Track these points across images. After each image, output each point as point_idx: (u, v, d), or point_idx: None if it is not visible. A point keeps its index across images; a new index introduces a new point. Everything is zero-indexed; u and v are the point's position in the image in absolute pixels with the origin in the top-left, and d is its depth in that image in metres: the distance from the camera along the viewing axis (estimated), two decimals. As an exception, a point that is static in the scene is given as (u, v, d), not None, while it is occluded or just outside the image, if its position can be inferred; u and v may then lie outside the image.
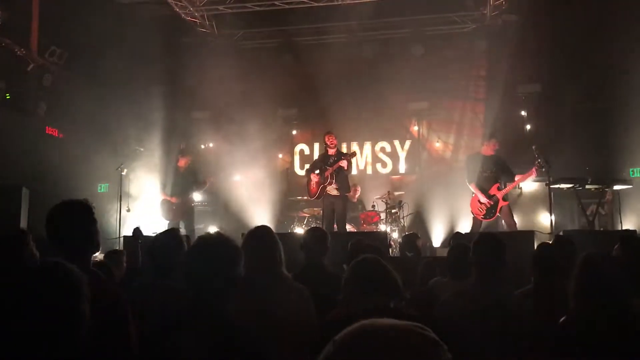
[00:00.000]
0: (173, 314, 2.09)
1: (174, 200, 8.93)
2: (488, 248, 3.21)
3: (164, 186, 9.15)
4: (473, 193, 7.86)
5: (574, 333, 2.50)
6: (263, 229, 3.29)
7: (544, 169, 7.31)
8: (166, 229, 3.32)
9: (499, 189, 7.68)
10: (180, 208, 9.03)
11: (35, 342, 1.45)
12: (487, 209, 7.68)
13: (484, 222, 7.79)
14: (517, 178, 7.68)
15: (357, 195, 10.48)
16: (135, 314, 2.24)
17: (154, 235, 3.27)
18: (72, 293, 1.53)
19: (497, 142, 7.96)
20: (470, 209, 7.98)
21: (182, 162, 9.23)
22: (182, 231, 8.88)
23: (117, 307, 2.16)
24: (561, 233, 6.40)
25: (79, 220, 2.44)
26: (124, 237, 7.88)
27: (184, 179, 9.09)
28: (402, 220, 9.73)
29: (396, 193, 10.24)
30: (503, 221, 7.87)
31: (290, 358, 2.48)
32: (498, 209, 7.65)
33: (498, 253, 3.20)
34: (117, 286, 3.12)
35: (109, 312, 2.05)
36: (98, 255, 5.56)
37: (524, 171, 7.54)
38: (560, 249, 3.86)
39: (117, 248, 6.33)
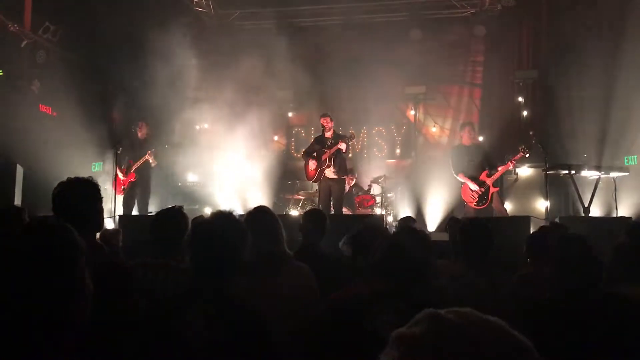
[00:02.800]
0: (175, 293, 2.08)
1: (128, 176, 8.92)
2: (474, 233, 3.23)
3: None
4: (462, 183, 7.89)
5: (546, 314, 2.50)
6: (263, 208, 3.29)
7: (529, 155, 7.49)
8: (168, 207, 3.28)
9: (488, 175, 7.70)
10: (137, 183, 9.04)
11: (35, 301, 1.41)
12: (479, 196, 7.69)
13: (477, 209, 7.80)
14: (505, 165, 7.77)
15: (351, 184, 10.35)
16: (136, 291, 2.23)
17: (155, 213, 3.24)
18: (70, 249, 1.49)
19: (472, 129, 8.01)
20: (462, 198, 8.02)
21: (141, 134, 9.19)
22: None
23: (123, 278, 2.15)
24: (557, 219, 6.42)
25: (86, 197, 2.44)
26: (119, 216, 7.87)
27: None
28: (397, 204, 9.74)
29: (392, 177, 10.23)
30: (494, 208, 7.89)
31: (295, 336, 2.47)
32: (490, 196, 7.67)
33: (485, 238, 3.21)
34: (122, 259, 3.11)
35: (115, 283, 2.04)
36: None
37: (512, 157, 7.70)
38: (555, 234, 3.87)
39: (114, 227, 6.28)
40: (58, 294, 1.42)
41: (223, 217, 2.16)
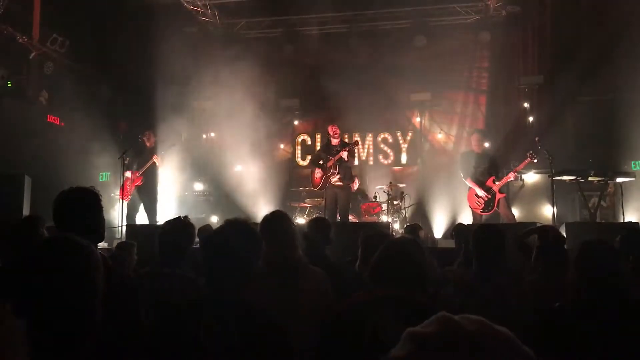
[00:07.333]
0: (186, 300, 2.09)
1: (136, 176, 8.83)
2: (487, 238, 3.23)
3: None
4: (469, 188, 7.88)
5: (568, 320, 2.45)
6: (280, 213, 3.28)
7: (536, 160, 7.48)
8: (175, 217, 3.29)
9: (494, 181, 7.68)
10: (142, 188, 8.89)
11: (53, 313, 1.45)
12: (485, 202, 7.67)
13: (484, 216, 7.78)
14: (512, 171, 7.75)
15: (355, 187, 10.35)
16: (142, 300, 2.25)
17: (162, 223, 3.27)
18: (83, 262, 1.53)
19: (479, 136, 8.02)
20: (468, 205, 8.01)
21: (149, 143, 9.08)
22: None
23: (125, 289, 2.16)
24: (563, 225, 6.41)
25: (86, 206, 2.44)
26: (127, 225, 7.91)
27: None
28: (403, 212, 9.73)
29: (398, 184, 10.22)
30: (501, 214, 7.87)
31: (310, 342, 2.47)
32: (496, 202, 7.65)
33: (497, 243, 3.22)
34: (124, 270, 3.13)
35: (118, 294, 2.05)
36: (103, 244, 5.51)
37: (519, 163, 7.69)
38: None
39: (127, 240, 6.25)
40: (75, 308, 1.47)
41: (234, 226, 2.15)
